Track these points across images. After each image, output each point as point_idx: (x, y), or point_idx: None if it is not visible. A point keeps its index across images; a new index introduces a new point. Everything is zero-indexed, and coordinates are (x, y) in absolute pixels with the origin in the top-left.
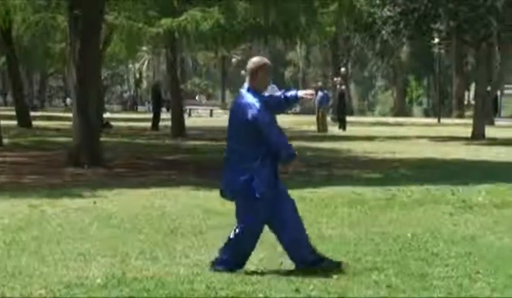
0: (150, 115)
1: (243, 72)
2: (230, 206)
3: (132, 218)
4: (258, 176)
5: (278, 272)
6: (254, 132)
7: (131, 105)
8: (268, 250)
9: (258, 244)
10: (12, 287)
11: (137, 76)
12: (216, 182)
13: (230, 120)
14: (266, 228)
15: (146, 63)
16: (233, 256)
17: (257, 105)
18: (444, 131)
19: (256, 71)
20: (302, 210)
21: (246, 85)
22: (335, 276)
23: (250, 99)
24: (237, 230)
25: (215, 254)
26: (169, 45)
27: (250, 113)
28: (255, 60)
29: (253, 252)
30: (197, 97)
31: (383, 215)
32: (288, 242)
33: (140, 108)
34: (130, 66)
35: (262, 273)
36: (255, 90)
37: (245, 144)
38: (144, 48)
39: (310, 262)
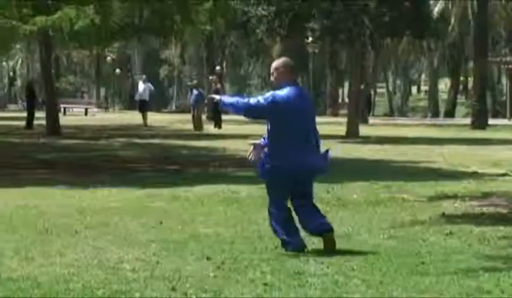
0: (24, 114)
1: (117, 70)
2: (105, 205)
3: (7, 218)
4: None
5: (153, 271)
6: None
7: (4, 103)
8: (144, 249)
9: (134, 243)
10: None
11: (11, 74)
12: (91, 181)
13: (309, 112)
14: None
15: (20, 60)
16: None
17: None
18: (319, 129)
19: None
20: (178, 209)
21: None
22: (211, 274)
23: None
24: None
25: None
26: (44, 43)
27: None
28: (291, 61)
29: (130, 252)
30: None
31: (258, 213)
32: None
33: (13, 106)
34: (4, 63)
35: (138, 272)
36: None
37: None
38: (18, 46)
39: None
